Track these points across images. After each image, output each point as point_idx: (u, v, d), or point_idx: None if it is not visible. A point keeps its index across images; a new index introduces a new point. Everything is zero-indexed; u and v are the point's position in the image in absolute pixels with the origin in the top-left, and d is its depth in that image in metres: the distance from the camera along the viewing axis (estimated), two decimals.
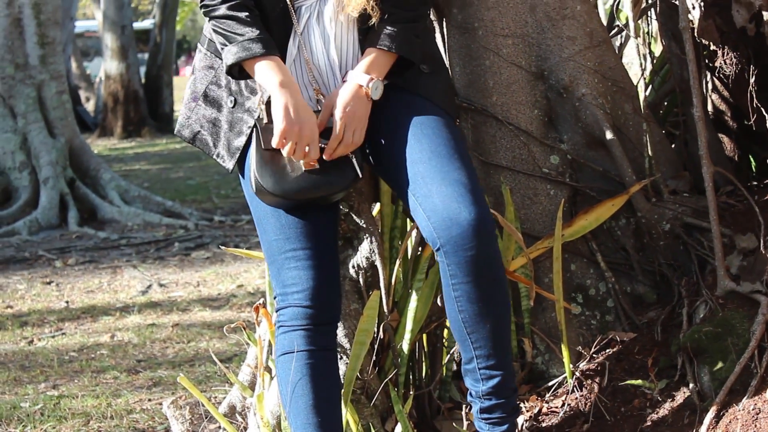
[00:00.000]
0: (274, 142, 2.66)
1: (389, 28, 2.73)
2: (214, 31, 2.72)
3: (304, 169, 2.69)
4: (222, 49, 2.71)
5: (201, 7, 2.75)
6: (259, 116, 2.73)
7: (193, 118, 2.87)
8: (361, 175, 2.73)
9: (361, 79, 2.71)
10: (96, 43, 27.19)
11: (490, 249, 2.61)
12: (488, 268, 2.61)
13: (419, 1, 2.81)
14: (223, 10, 2.69)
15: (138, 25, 26.77)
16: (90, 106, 21.21)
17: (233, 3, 2.69)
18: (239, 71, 2.71)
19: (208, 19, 2.74)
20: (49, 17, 9.41)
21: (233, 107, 2.80)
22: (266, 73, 2.66)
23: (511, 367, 2.73)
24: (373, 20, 2.72)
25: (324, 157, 2.69)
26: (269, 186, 2.67)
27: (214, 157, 2.84)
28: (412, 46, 2.76)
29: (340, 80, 2.76)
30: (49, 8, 9.39)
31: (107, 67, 17.95)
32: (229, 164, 2.80)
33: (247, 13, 2.68)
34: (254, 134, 2.73)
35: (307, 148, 2.65)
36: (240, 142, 2.77)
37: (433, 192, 2.61)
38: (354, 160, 2.72)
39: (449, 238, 2.57)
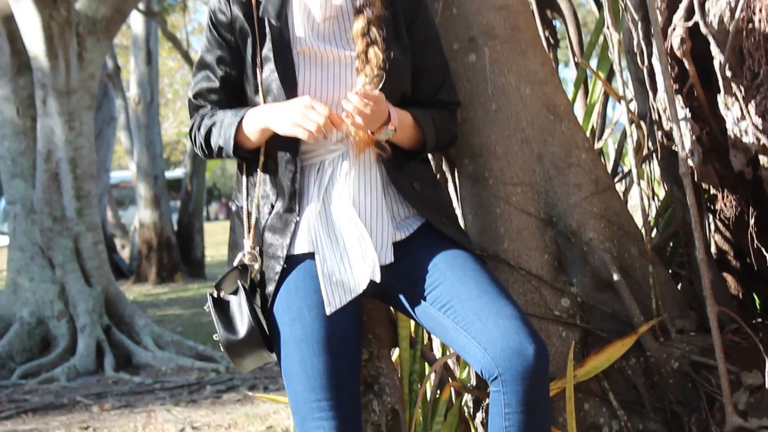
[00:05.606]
0: (300, 132, 2.74)
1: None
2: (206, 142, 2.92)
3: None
4: (219, 149, 2.89)
5: (195, 146, 2.95)
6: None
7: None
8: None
9: None
10: (130, 192, 27.61)
11: (545, 381, 2.70)
12: (542, 400, 2.70)
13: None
14: (202, 129, 2.90)
15: (170, 174, 27.21)
16: (125, 254, 21.43)
17: (204, 113, 2.92)
18: (245, 150, 2.89)
19: (204, 150, 2.95)
20: (85, 171, 9.66)
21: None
22: (250, 120, 2.83)
23: None
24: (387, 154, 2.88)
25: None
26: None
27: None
28: (429, 124, 2.92)
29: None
30: (85, 162, 9.64)
31: (141, 215, 18.22)
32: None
33: (211, 107, 2.92)
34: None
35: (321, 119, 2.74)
36: (269, 289, 2.84)
37: (490, 326, 2.68)
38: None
39: (509, 368, 2.64)
